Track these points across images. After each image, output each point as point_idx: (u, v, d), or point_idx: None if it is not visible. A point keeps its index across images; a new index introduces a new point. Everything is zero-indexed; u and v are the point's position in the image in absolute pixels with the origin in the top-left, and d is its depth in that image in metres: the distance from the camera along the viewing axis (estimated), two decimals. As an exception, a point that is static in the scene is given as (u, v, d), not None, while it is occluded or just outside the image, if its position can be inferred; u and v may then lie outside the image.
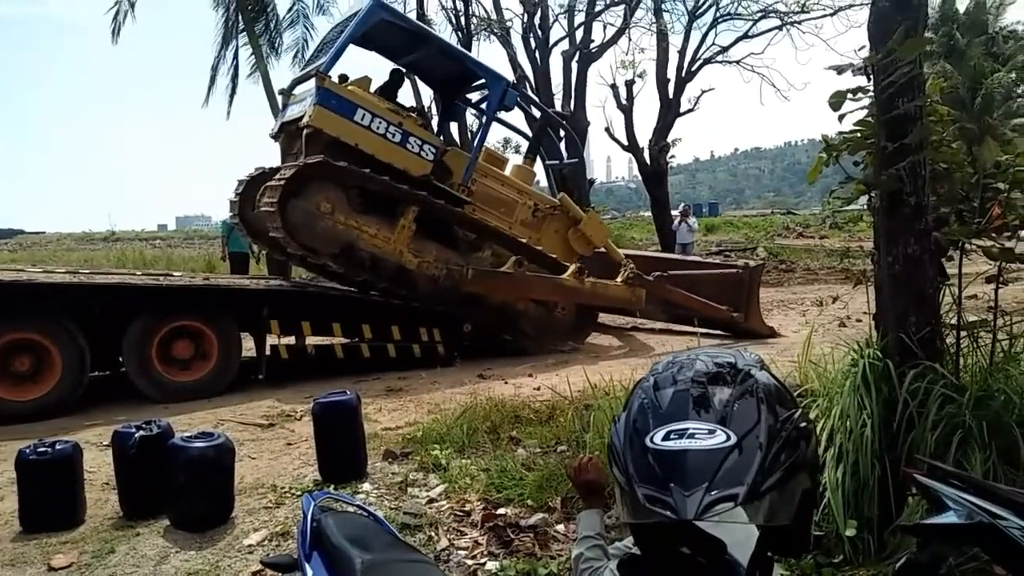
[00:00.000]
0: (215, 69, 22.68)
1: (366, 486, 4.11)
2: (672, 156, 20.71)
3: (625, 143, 20.39)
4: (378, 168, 7.87)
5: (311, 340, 7.58)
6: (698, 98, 20.60)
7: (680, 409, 1.08)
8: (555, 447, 4.60)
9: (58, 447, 3.77)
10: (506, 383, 6.97)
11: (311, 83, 8.07)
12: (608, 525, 2.47)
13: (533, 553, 3.21)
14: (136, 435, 3.82)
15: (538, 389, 6.54)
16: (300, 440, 5.27)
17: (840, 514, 2.93)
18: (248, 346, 7.54)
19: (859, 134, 3.87)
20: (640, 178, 22.72)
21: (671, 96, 20.10)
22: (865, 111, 3.69)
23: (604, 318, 10.49)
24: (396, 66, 9.21)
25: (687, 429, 1.04)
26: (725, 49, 20.52)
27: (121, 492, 3.88)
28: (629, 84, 20.27)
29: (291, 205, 7.43)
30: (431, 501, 3.85)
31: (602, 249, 9.56)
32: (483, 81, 9.29)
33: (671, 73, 20.19)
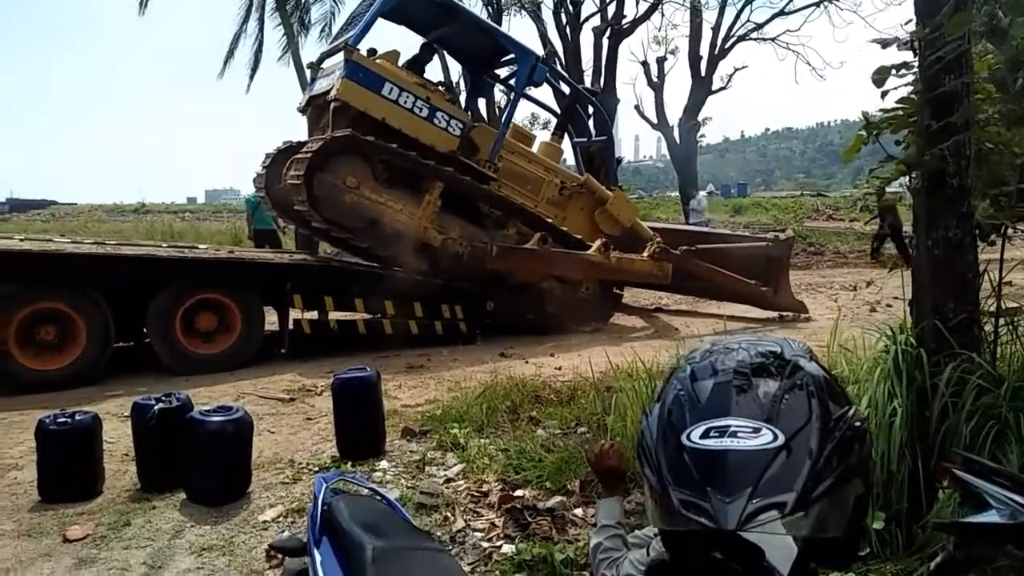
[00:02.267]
0: (235, 42, 22.62)
1: (383, 463, 4.08)
2: (702, 135, 20.49)
3: (655, 121, 20.16)
4: (404, 143, 7.80)
5: (334, 315, 7.56)
6: (731, 76, 20.32)
7: (721, 403, 0.96)
8: (575, 429, 4.53)
9: (78, 418, 3.78)
10: (527, 362, 6.91)
11: (339, 56, 8.00)
12: (627, 511, 2.41)
13: (550, 537, 3.15)
14: (155, 407, 3.81)
15: (559, 369, 6.48)
16: (320, 415, 5.26)
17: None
18: (271, 320, 7.55)
19: (901, 112, 3.72)
20: (668, 157, 22.42)
21: (703, 74, 19.80)
22: (909, 88, 3.55)
23: (628, 298, 10.38)
24: (425, 40, 9.09)
25: (729, 426, 0.93)
26: (760, 26, 20.14)
27: (139, 464, 3.89)
28: (660, 61, 20.04)
29: (317, 179, 7.39)
30: (448, 481, 3.81)
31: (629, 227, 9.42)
32: (512, 56, 9.14)
33: (704, 50, 19.87)
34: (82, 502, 3.71)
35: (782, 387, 0.96)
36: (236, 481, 3.68)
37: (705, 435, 0.93)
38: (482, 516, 3.41)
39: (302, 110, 8.96)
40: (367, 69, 7.73)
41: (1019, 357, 3.37)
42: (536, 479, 3.71)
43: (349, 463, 4.04)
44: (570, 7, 20.02)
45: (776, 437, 0.90)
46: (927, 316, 3.38)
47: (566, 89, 10.29)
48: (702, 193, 18.41)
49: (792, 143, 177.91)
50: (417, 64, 8.74)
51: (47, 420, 3.73)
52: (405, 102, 7.83)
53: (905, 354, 3.17)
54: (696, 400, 0.98)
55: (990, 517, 1.59)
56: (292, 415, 5.40)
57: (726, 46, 19.84)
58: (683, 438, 0.95)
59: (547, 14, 20.46)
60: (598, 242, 8.75)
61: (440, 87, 8.65)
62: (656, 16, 20.33)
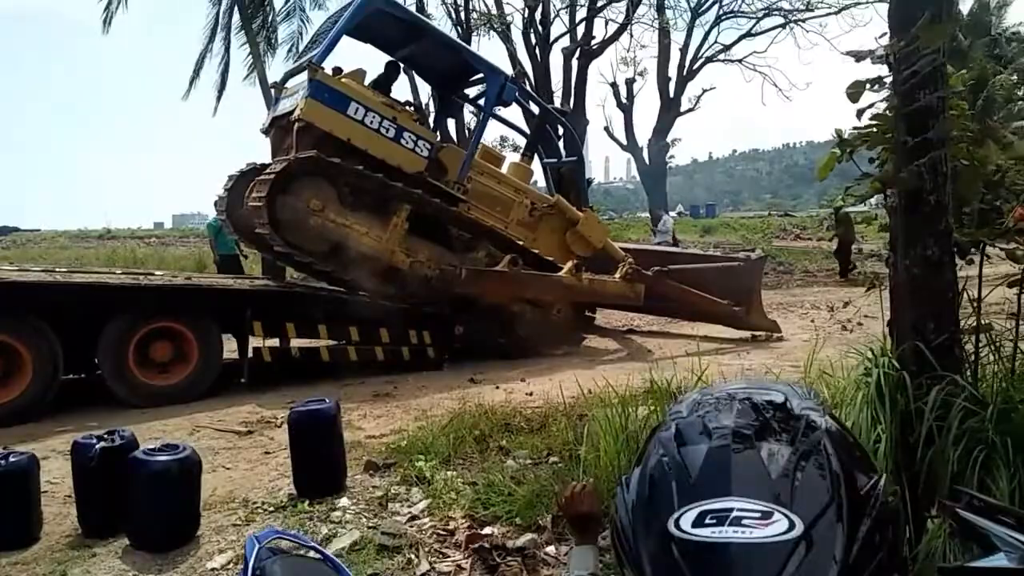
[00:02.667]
0: (200, 62, 22.34)
1: (344, 501, 3.84)
2: (672, 156, 20.58)
3: (624, 142, 20.21)
4: (371, 164, 7.62)
5: (296, 342, 7.31)
6: (699, 97, 20.50)
7: (719, 477, 0.74)
8: (547, 458, 4.34)
9: (12, 459, 3.50)
10: (497, 388, 6.72)
11: (304, 76, 7.82)
12: (603, 562, 2.22)
13: (520, 579, 2.95)
14: (97, 446, 3.55)
15: (530, 395, 6.30)
16: (279, 449, 5.00)
17: (855, 540, 2.68)
18: (231, 348, 7.27)
19: (875, 129, 3.64)
20: (638, 178, 22.48)
21: (672, 95, 19.92)
22: (882, 105, 3.47)
23: (600, 319, 10.24)
24: (391, 59, 8.95)
25: (731, 510, 0.71)
26: (728, 47, 20.41)
27: (80, 508, 3.61)
28: (630, 82, 20.19)
29: (280, 201, 7.20)
30: (413, 518, 3.59)
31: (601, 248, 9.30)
32: (481, 76, 9.03)
33: (672, 71, 20.02)
34: (16, 551, 3.42)
35: (795, 454, 0.74)
36: (182, 526, 3.42)
37: (699, 521, 0.72)
38: (448, 557, 3.19)
39: (265, 131, 8.76)
40: (332, 88, 7.57)
41: (1000, 378, 3.26)
42: (506, 515, 3.51)
43: (307, 501, 3.80)
44: (539, 28, 20.09)
45: (792, 525, 0.70)
46: (907, 337, 3.27)
47: (535, 109, 10.20)
48: (667, 215, 18.43)
49: (759, 164, 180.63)
50: (383, 83, 8.61)
51: (-24, 463, 3.45)
52: (371, 122, 7.67)
53: (887, 377, 3.03)
54: (686, 473, 0.76)
55: (998, 561, 1.43)
56: (249, 449, 5.14)
57: (694, 67, 20.06)
58: (670, 525, 0.74)
59: (516, 34, 20.54)
60: (569, 264, 8.61)
61: (408, 107, 8.50)
62: (625, 37, 20.48)
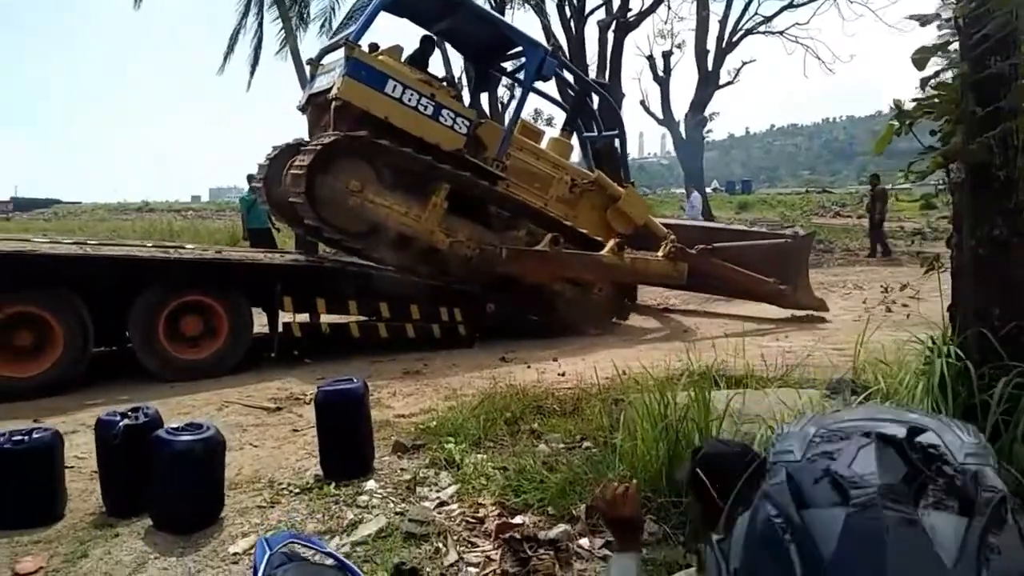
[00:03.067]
0: (234, 38, 22.26)
1: (371, 484, 3.73)
2: (709, 130, 20.11)
3: (661, 117, 19.78)
4: (409, 142, 7.49)
5: (326, 318, 7.23)
6: (738, 70, 19.96)
7: (868, 563, 0.51)
8: (580, 443, 4.19)
9: (35, 435, 3.44)
10: (529, 367, 6.57)
11: (340, 53, 7.70)
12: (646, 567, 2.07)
13: (552, 573, 2.81)
14: (120, 424, 3.48)
15: (563, 375, 6.15)
16: (307, 426, 4.92)
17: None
18: (261, 322, 7.22)
19: (938, 99, 3.38)
20: (673, 154, 22.05)
21: (710, 68, 19.40)
22: (949, 73, 3.22)
23: (641, 297, 10.05)
24: (426, 33, 8.79)
25: None
26: (768, 19, 19.81)
27: (104, 486, 3.55)
28: (667, 55, 19.69)
29: (319, 181, 7.09)
30: (441, 504, 3.47)
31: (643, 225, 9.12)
32: (519, 49, 8.84)
33: (711, 44, 19.49)
34: (40, 528, 3.37)
35: (975, 530, 0.52)
36: (206, 507, 3.33)
37: None
38: (477, 547, 3.06)
39: (302, 108, 8.66)
40: (369, 66, 7.43)
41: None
42: (537, 503, 3.37)
43: (333, 484, 3.69)
44: (574, 0, 19.65)
45: None
46: (971, 323, 3.04)
47: (572, 82, 9.94)
48: (696, 193, 18.06)
49: (797, 140, 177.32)
50: (420, 59, 8.44)
51: (0, 439, 3.40)
52: (409, 100, 7.53)
53: (950, 367, 2.81)
54: (815, 549, 0.54)
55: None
56: (278, 426, 5.07)
57: (733, 39, 19.48)
58: None
59: (551, 7, 20.11)
60: (611, 242, 8.42)
61: (444, 83, 8.32)
62: (662, 9, 19.97)
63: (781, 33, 19.65)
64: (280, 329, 6.99)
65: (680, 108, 19.80)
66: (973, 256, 3.08)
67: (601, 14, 20.04)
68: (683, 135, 19.38)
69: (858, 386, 4.18)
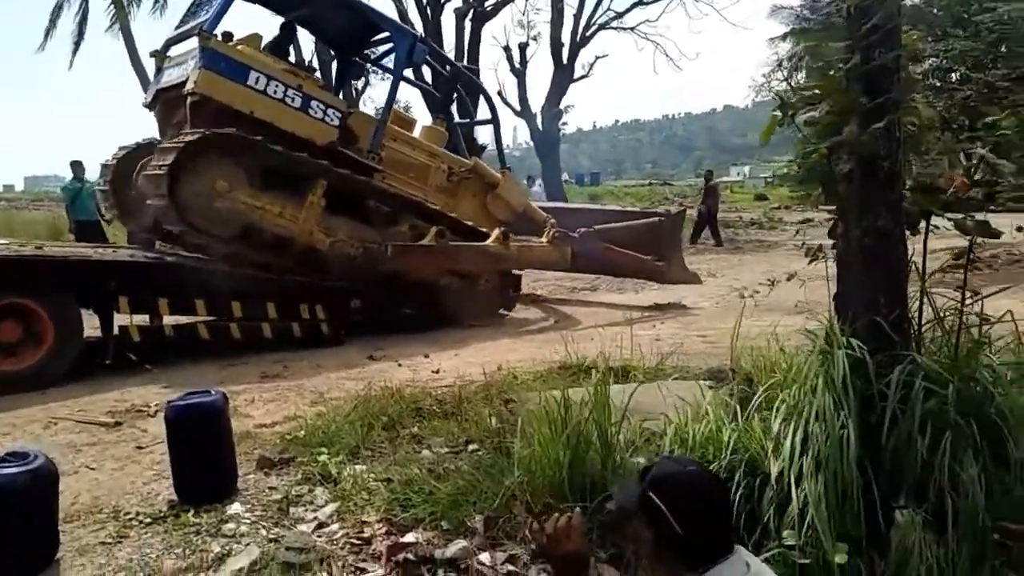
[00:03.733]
0: (56, 11, 20.18)
1: (236, 507, 3.29)
2: (565, 123, 20.39)
3: (518, 108, 19.80)
4: (277, 137, 6.97)
5: (169, 319, 6.52)
6: (592, 64, 20.36)
7: None
8: (466, 446, 3.94)
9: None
10: (400, 365, 6.26)
11: (191, 44, 7.13)
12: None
13: (455, 598, 2.56)
14: (-81, 456, 2.85)
15: (437, 372, 5.88)
16: (153, 442, 4.35)
17: (827, 535, 2.44)
18: (94, 324, 6.41)
19: (819, 90, 3.42)
20: (525, 145, 22.23)
21: (565, 61, 19.64)
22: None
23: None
24: (285, 21, 8.31)
25: None
26: (620, 15, 20.33)
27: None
28: (523, 47, 19.80)
29: (182, 183, 6.45)
30: (320, 526, 3.10)
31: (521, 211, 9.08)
32: (384, 35, 8.55)
33: (566, 37, 19.71)
34: None
35: None
36: (37, 551, 2.79)
37: None
38: (367, 573, 2.75)
39: (149, 105, 7.94)
40: (228, 57, 6.88)
41: (949, 355, 3.12)
42: (429, 517, 3.08)
43: (191, 510, 3.22)
44: (430, -13, 19.27)
45: None
46: (859, 312, 3.07)
47: (442, 68, 9.72)
48: (538, 183, 18.43)
49: (640, 135, 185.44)
50: (279, 48, 7.94)
51: None
52: (275, 92, 7.04)
53: (849, 357, 2.81)
54: None
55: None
56: (118, 444, 4.45)
57: (587, 34, 19.83)
58: None
59: (407, -7, 19.63)
60: (496, 232, 8.27)
61: (310, 73, 7.90)
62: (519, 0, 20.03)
63: (632, 29, 20.31)
64: (116, 333, 6.22)
65: (536, 100, 19.89)
66: (859, 246, 3.12)
67: (458, 2, 19.79)
68: (540, 127, 19.52)
69: (730, 370, 4.22)
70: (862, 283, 3.12)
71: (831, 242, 3.56)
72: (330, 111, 7.39)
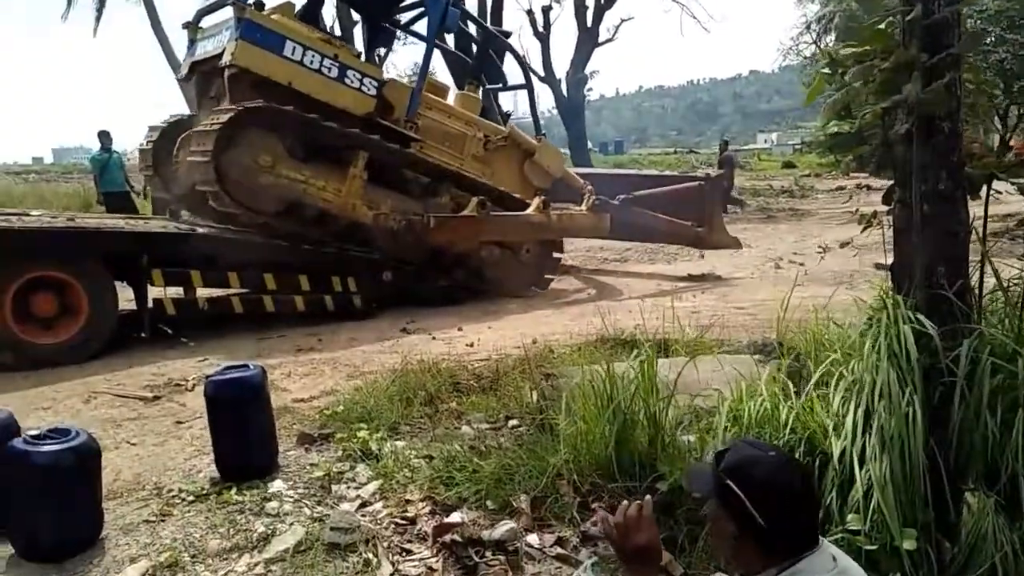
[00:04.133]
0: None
1: (278, 485, 3.27)
2: (590, 89, 20.03)
3: (542, 74, 19.47)
4: (314, 108, 6.90)
5: (203, 292, 6.52)
6: (617, 27, 19.89)
7: None
8: (506, 422, 3.88)
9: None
10: (434, 338, 6.20)
11: (225, 14, 7.08)
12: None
13: (504, 581, 2.51)
14: (-38, 434, 2.84)
15: (471, 345, 5.82)
16: (192, 417, 4.36)
17: (894, 520, 2.34)
18: (128, 297, 6.42)
19: (869, 47, 3.24)
20: (548, 113, 21.92)
21: (589, 25, 19.26)
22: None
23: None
24: None
25: None
26: (645, -24, 19.74)
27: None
28: (546, 10, 19.34)
29: (226, 159, 6.44)
30: (363, 505, 3.06)
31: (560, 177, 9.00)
32: (413, 0, 8.43)
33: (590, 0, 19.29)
34: None
35: None
36: (81, 528, 2.78)
37: None
38: (414, 555, 2.70)
39: (184, 78, 7.98)
40: (264, 27, 6.78)
41: (1013, 327, 2.98)
42: (473, 496, 3.04)
43: (233, 487, 3.20)
44: (452, -49, 18.90)
45: None
46: (921, 284, 2.93)
47: (474, 33, 9.56)
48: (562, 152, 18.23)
49: (664, 101, 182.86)
50: (310, 16, 7.77)
51: None
52: (311, 62, 6.95)
53: (912, 331, 2.68)
54: None
55: None
56: (158, 418, 4.46)
57: (611, -4, 19.42)
58: None
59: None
60: (537, 200, 8.18)
61: (345, 42, 7.82)
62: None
63: (658, -9, 19.83)
64: (150, 306, 6.23)
65: (560, 66, 19.56)
66: (918, 212, 2.97)
67: (480, -35, 19.42)
68: (564, 93, 19.21)
69: (777, 344, 4.10)
70: (921, 252, 2.98)
71: (884, 208, 3.42)
72: (366, 80, 7.28)
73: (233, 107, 6.60)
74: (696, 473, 1.61)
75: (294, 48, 6.88)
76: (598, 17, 19.37)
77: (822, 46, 35.65)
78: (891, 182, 3.24)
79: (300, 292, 6.78)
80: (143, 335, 6.15)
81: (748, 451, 1.48)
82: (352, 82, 7.19)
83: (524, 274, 8.39)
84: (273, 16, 7.08)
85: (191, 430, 4.15)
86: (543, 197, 8.28)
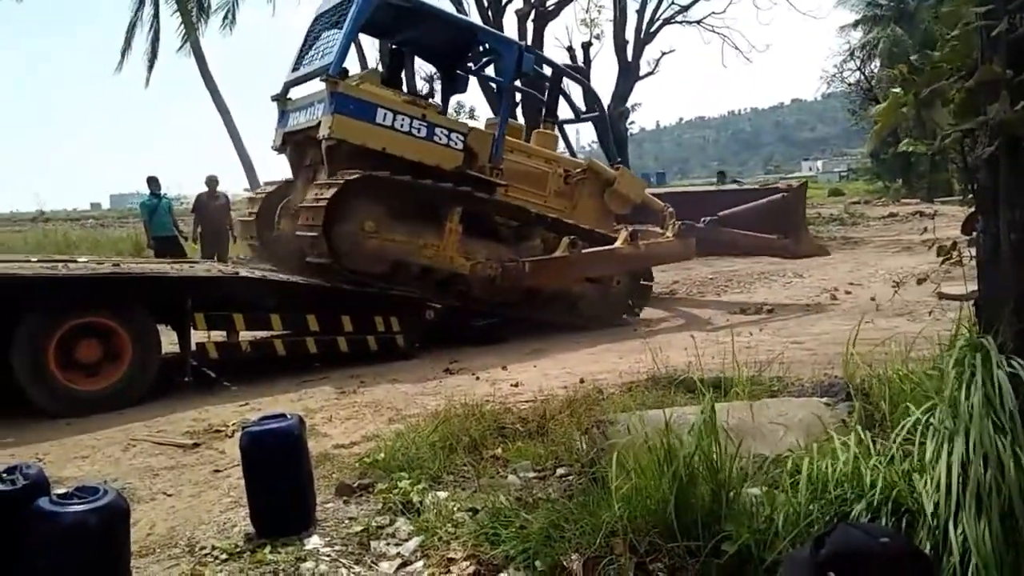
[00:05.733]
0: (130, 31, 20.84)
1: (314, 541, 3.09)
2: (632, 122, 19.87)
3: (583, 109, 19.37)
4: (408, 168, 7.23)
5: (245, 335, 6.45)
6: (658, 60, 19.80)
7: None
8: (554, 471, 3.66)
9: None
10: (478, 378, 6.03)
11: (315, 85, 7.54)
12: None
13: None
14: (-11, 492, 2.73)
15: (515, 386, 5.61)
16: (231, 464, 4.21)
17: (995, 590, 2.06)
18: (172, 340, 6.39)
19: (946, 64, 3.01)
20: (588, 148, 21.84)
21: (629, 59, 19.18)
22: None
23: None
24: (395, 47, 8.87)
25: None
26: (685, 8, 19.69)
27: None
28: (586, 46, 19.33)
29: (336, 231, 6.79)
30: (404, 564, 2.87)
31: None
32: (485, 47, 8.85)
33: (630, 34, 19.24)
34: None
35: None
36: (107, 593, 2.63)
37: None
38: (457, 622, 2.49)
39: (278, 148, 8.22)
40: (356, 98, 7.10)
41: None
42: (521, 555, 2.81)
43: (267, 545, 3.03)
44: (491, -11, 19.09)
45: None
46: (1013, 320, 2.66)
47: (546, 72, 9.83)
48: None
49: (705, 132, 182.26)
50: (394, 78, 8.15)
51: None
52: (402, 125, 7.25)
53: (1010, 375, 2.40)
54: None
55: None
56: (196, 467, 4.34)
57: (651, 30, 19.33)
58: None
59: (467, -6, 19.55)
60: (624, 233, 8.30)
61: (430, 99, 8.25)
62: (582, -2, 19.70)
63: (698, 23, 19.71)
64: (193, 349, 6.17)
65: (602, 100, 19.45)
66: (1006, 242, 2.71)
67: (519, 3, 19.53)
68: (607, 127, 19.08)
69: (853, 390, 3.80)
70: (1010, 285, 2.71)
71: (962, 237, 3.17)
72: (453, 135, 7.56)
73: (336, 181, 6.84)
74: (794, 564, 1.37)
75: (385, 114, 7.17)
76: (638, 51, 19.30)
77: (866, 73, 35.18)
78: (959, 207, 2.99)
79: (343, 333, 6.69)
80: (186, 379, 6.09)
81: (856, 538, 1.24)
82: (440, 139, 7.46)
83: (616, 305, 8.57)
84: (362, 86, 7.35)
85: (229, 479, 4.01)
86: (630, 229, 8.40)
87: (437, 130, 7.47)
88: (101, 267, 6.23)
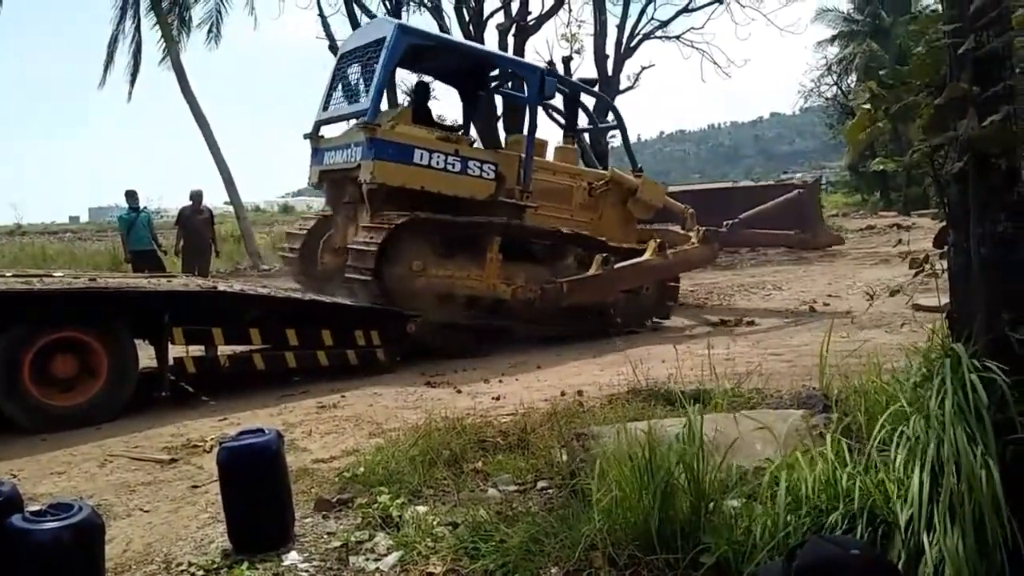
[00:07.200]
0: (112, 45, 20.71)
1: (293, 557, 3.07)
2: (612, 136, 19.94)
3: (564, 122, 19.48)
4: (445, 202, 7.57)
5: (224, 349, 6.39)
6: (638, 75, 19.93)
7: None
8: (534, 484, 3.66)
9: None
10: (459, 392, 6.02)
11: (351, 130, 7.96)
12: None
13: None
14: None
15: (497, 399, 5.62)
16: (209, 480, 4.17)
17: (969, 600, 2.08)
18: (149, 355, 6.31)
19: (915, 80, 3.08)
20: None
21: (610, 73, 19.33)
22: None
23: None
24: (421, 80, 9.35)
25: None
26: (664, 24, 19.89)
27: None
28: (567, 60, 19.40)
29: (387, 274, 7.11)
30: (383, 580, 2.85)
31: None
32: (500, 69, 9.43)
33: (610, 48, 19.40)
34: None
35: None
36: (80, 612, 2.60)
37: None
38: (436, 639, 2.48)
39: (315, 185, 8.60)
40: (394, 142, 7.33)
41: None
42: (500, 569, 2.81)
43: (245, 561, 3.00)
44: (472, 3, 19.15)
45: None
46: (982, 331, 2.70)
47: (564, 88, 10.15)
48: None
49: (686, 145, 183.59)
50: (422, 111, 8.34)
51: None
52: (437, 163, 7.57)
53: (982, 380, 2.43)
54: None
55: None
56: (174, 482, 4.29)
57: (631, 44, 19.51)
58: None
59: (449, 8, 19.63)
60: (652, 244, 8.67)
61: (460, 131, 8.56)
62: (562, 12, 19.80)
63: (677, 38, 19.91)
64: (171, 364, 6.10)
65: (581, 116, 19.55)
66: (976, 256, 2.76)
67: (500, 17, 19.62)
68: (587, 141, 19.18)
69: (830, 401, 3.84)
70: (980, 297, 2.75)
71: (934, 250, 3.22)
72: (486, 167, 7.84)
73: (383, 225, 7.14)
74: (764, 574, 1.39)
75: (421, 154, 7.44)
76: (618, 66, 19.45)
77: (842, 87, 35.70)
78: (935, 220, 3.06)
79: (323, 347, 6.64)
80: (164, 394, 6.01)
81: (827, 550, 1.26)
82: (474, 171, 7.76)
83: (646, 309, 8.97)
84: (398, 128, 7.54)
85: (207, 495, 3.97)
86: (658, 240, 8.67)
87: (470, 163, 7.75)
88: (77, 282, 6.15)
